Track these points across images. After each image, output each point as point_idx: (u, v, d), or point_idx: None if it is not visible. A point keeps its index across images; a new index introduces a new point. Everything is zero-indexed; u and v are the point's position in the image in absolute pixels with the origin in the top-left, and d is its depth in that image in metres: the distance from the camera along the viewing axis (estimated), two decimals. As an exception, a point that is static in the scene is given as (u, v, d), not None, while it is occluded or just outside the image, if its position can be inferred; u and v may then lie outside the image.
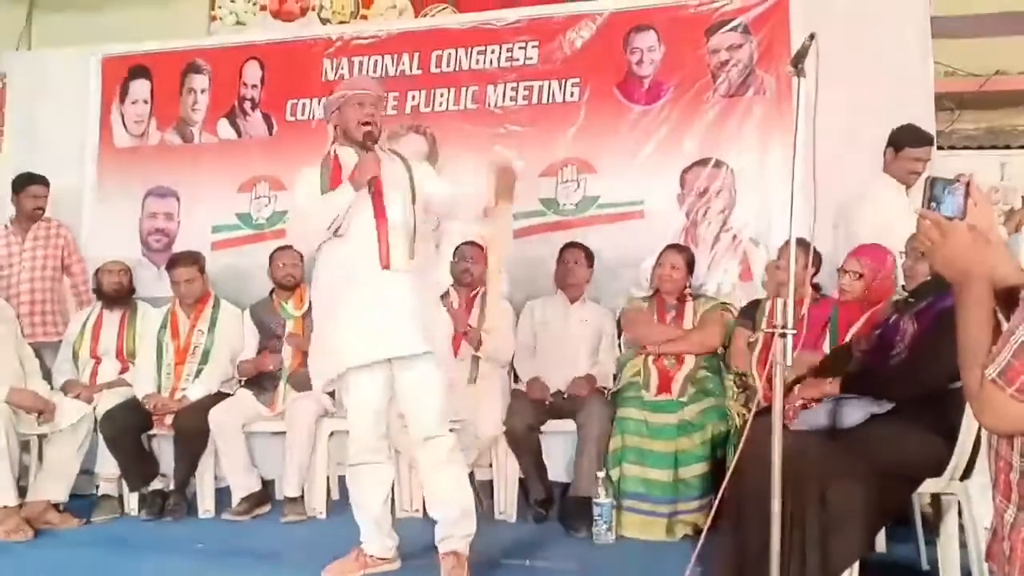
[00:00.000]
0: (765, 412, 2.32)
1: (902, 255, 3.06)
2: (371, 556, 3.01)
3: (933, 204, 1.51)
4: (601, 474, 3.36)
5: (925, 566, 2.97)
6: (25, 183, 4.70)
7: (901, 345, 2.63)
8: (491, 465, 3.82)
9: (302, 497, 3.90)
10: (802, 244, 2.51)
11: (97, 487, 4.05)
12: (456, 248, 4.17)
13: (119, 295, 4.39)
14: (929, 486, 2.59)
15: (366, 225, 2.88)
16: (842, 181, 3.89)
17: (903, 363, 2.55)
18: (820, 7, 4.18)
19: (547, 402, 3.76)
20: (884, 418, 2.54)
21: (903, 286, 3.00)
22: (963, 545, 2.65)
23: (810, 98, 2.24)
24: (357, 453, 2.99)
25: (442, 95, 4.75)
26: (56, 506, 3.83)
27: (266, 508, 4.00)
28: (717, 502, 2.39)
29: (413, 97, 4.79)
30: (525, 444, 3.69)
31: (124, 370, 4.32)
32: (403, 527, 3.16)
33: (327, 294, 2.99)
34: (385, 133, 3.10)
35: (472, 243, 4.17)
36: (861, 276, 3.24)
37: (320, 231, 2.91)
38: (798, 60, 2.25)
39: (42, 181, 4.73)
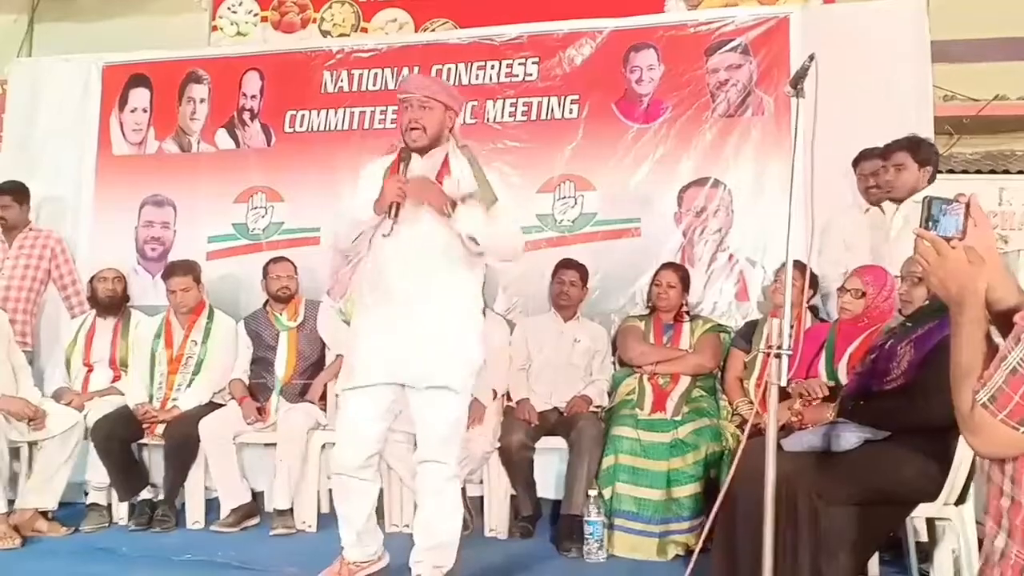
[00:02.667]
0: (759, 433, 2.31)
1: (899, 279, 3.06)
2: (354, 563, 2.95)
3: (930, 224, 1.50)
4: (593, 492, 3.34)
5: (918, 591, 2.96)
6: None
7: (897, 371, 2.62)
8: (482, 482, 3.80)
9: (291, 510, 3.87)
10: (799, 266, 2.51)
11: (86, 495, 4.02)
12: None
13: (113, 303, 4.37)
14: (923, 511, 2.58)
15: (388, 249, 2.79)
16: (840, 204, 3.93)
17: (903, 394, 2.54)
18: (820, 29, 4.21)
19: (532, 424, 3.75)
20: (879, 443, 2.53)
21: (899, 310, 3.00)
22: (958, 571, 2.63)
23: (808, 119, 2.25)
24: (340, 467, 2.93)
25: (441, 109, 4.75)
26: (45, 514, 3.80)
27: (255, 520, 3.96)
28: (709, 523, 2.37)
29: (412, 111, 4.79)
30: (517, 461, 3.67)
31: (116, 379, 4.30)
32: (391, 542, 3.12)
33: (360, 303, 2.99)
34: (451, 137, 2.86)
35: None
36: (863, 295, 3.24)
37: (345, 244, 2.91)
38: (797, 81, 2.26)
39: (9, 190, 4.69)
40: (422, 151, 2.81)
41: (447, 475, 2.83)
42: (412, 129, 2.76)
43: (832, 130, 3.78)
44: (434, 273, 2.78)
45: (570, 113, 4.58)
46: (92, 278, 4.43)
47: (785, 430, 2.76)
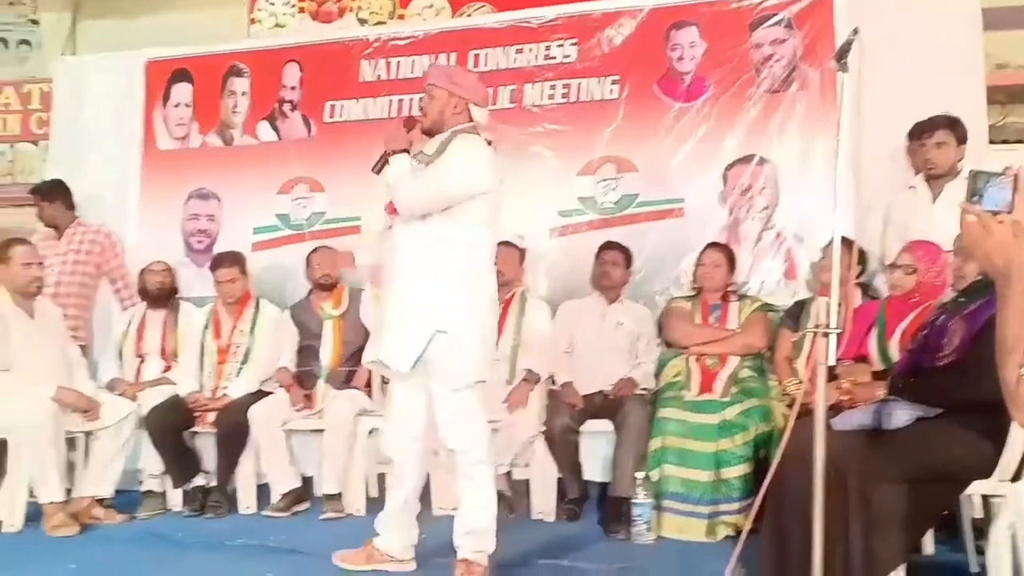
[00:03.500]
0: (809, 412, 2.28)
1: (951, 255, 2.99)
2: (378, 550, 2.98)
3: (975, 198, 1.46)
4: (640, 474, 3.32)
5: (975, 569, 2.89)
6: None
7: (949, 347, 2.56)
8: (528, 465, 3.80)
9: (341, 494, 3.91)
10: (846, 242, 2.46)
11: (141, 483, 4.12)
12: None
13: (162, 295, 4.46)
14: (978, 488, 2.52)
15: (395, 239, 2.93)
16: (891, 178, 3.84)
17: (956, 371, 2.48)
18: (865, 0, 4.09)
19: (577, 408, 3.74)
20: (931, 420, 2.47)
21: (952, 286, 2.93)
22: (1015, 548, 2.57)
23: (854, 93, 2.19)
24: (385, 447, 2.98)
25: (479, 95, 4.73)
26: (101, 501, 3.90)
27: (305, 505, 4.03)
28: (759, 503, 2.35)
29: (449, 96, 4.78)
30: (562, 444, 3.68)
31: (168, 369, 4.40)
32: (441, 524, 3.14)
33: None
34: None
35: (506, 243, 4.15)
36: (914, 271, 3.17)
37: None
38: (842, 55, 2.21)
39: (40, 191, 4.83)
40: (430, 134, 2.92)
41: (470, 461, 2.82)
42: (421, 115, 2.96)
43: (881, 103, 3.71)
44: (424, 264, 2.81)
45: (610, 94, 4.52)
46: (142, 271, 4.53)
47: (835, 409, 2.71)
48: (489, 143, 2.87)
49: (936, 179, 3.66)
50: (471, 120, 2.90)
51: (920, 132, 3.68)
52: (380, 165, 2.88)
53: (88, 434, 3.96)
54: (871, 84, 3.52)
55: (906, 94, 3.80)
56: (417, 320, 2.79)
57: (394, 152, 2.83)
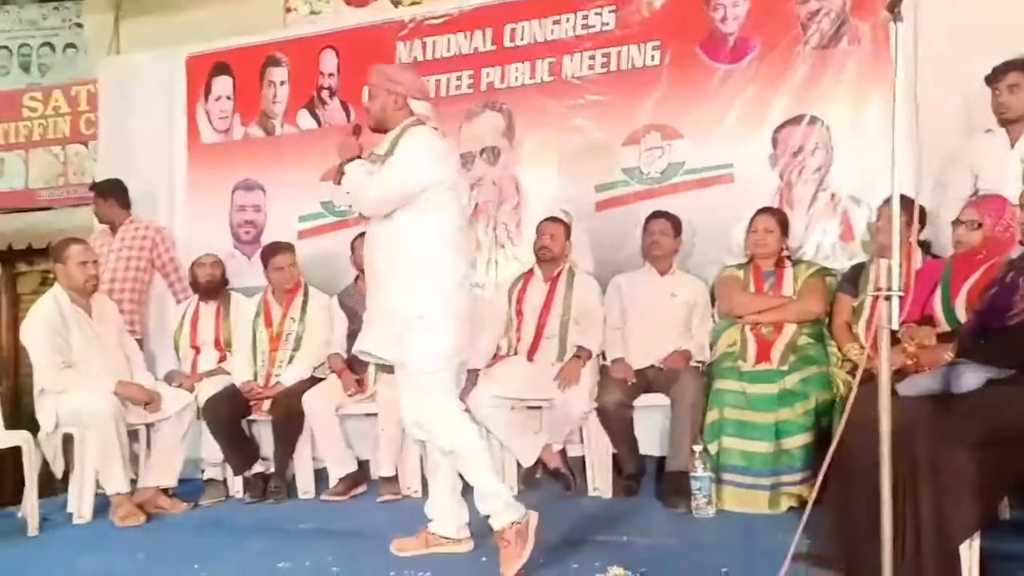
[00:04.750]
0: (872, 378, 2.20)
1: (1019, 208, 2.85)
2: (433, 534, 3.00)
3: None
4: (698, 447, 3.26)
5: (1055, 537, 2.78)
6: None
7: (1020, 304, 2.46)
8: (582, 441, 3.77)
9: (397, 476, 3.94)
10: (905, 201, 2.36)
11: (203, 472, 4.20)
12: (537, 225, 4.13)
13: (212, 287, 4.53)
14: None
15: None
16: (956, 129, 3.67)
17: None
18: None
19: (630, 383, 3.68)
20: (1003, 382, 2.37)
21: (1021, 241, 2.80)
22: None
23: (910, 45, 2.09)
24: (409, 434, 3.10)
25: (517, 70, 4.67)
26: (165, 491, 3.99)
27: (363, 488, 4.07)
28: (823, 474, 2.28)
29: (487, 74, 4.73)
30: (616, 421, 3.63)
31: (222, 359, 4.47)
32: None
33: None
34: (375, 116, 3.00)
35: (552, 219, 4.12)
36: (980, 225, 3.03)
37: None
38: (895, 4, 2.10)
39: (96, 189, 4.93)
40: (379, 131, 2.98)
41: (436, 446, 2.89)
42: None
43: (940, 53, 3.53)
44: (393, 257, 2.86)
45: (652, 60, 4.41)
46: (192, 264, 4.61)
47: (900, 374, 2.62)
48: (437, 129, 2.94)
49: (1011, 124, 3.47)
50: (412, 114, 2.93)
51: (993, 76, 3.51)
52: (338, 176, 2.92)
53: (149, 426, 4.04)
54: (929, 32, 3.36)
55: (973, 39, 3.59)
56: (392, 310, 2.85)
57: (348, 161, 2.89)
